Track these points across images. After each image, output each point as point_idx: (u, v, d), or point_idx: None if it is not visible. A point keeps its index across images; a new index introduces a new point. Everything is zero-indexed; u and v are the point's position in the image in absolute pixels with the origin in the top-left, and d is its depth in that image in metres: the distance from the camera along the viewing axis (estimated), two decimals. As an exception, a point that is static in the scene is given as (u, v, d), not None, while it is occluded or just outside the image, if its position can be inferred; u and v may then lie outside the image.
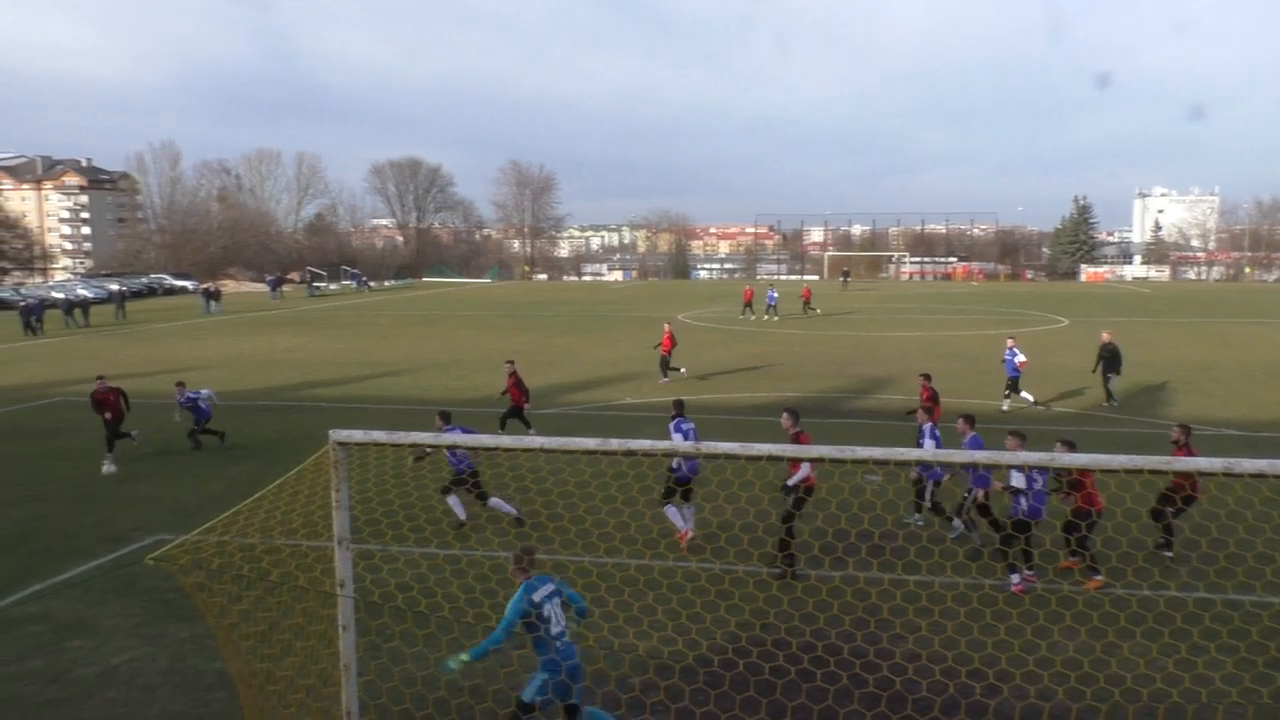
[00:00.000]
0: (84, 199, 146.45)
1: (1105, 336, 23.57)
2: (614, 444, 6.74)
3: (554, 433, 16.41)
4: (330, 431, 6.66)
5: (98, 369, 30.22)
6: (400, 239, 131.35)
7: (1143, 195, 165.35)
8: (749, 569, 11.39)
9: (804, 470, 11.44)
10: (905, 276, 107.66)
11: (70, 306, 50.58)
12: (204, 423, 19.10)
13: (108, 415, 17.63)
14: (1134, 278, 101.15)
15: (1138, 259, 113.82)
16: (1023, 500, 10.65)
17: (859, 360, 31.87)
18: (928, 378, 17.52)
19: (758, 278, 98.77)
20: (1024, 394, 22.75)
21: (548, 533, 12.34)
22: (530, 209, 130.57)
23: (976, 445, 12.05)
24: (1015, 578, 10.63)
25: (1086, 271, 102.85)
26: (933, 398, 16.95)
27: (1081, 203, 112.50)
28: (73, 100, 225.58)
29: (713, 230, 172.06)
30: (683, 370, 27.67)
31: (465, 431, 12.81)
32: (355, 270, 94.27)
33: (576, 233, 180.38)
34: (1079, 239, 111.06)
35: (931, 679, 8.24)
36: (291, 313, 58.88)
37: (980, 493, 11.56)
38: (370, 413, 22.50)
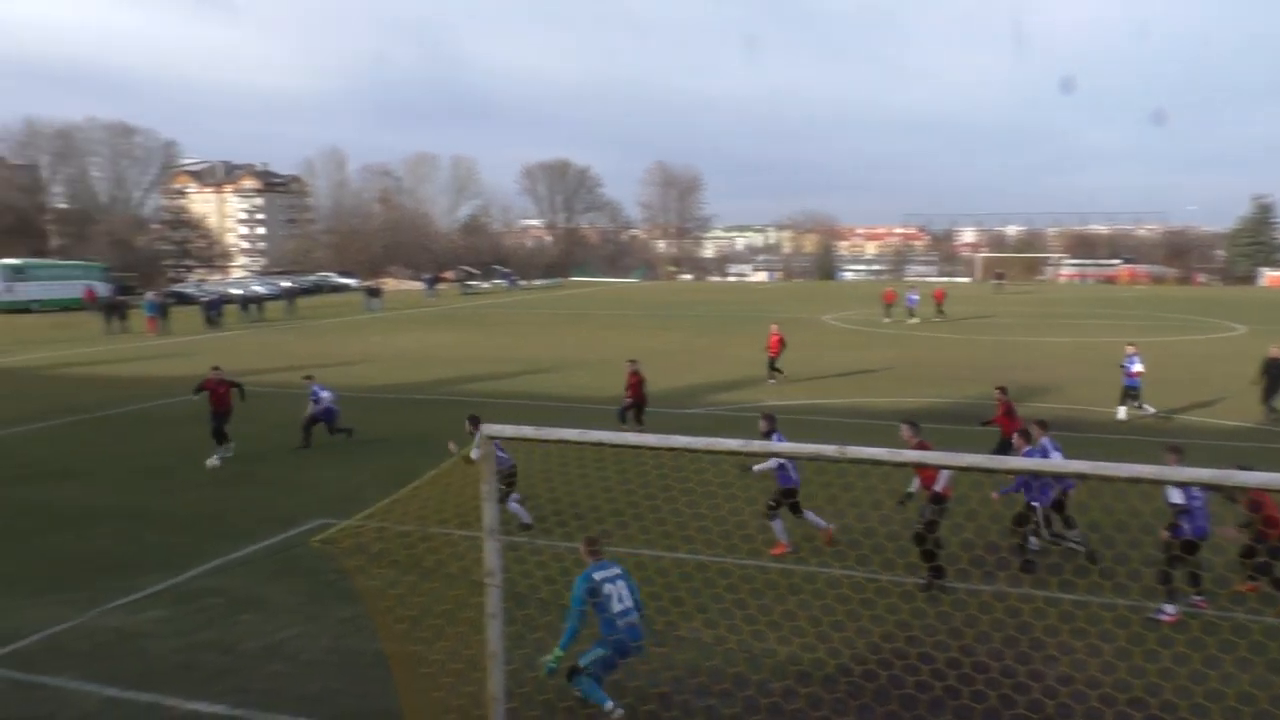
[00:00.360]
0: (259, 201, 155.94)
1: (1275, 351, 21.66)
2: (756, 445, 6.74)
3: (697, 433, 16.46)
4: (482, 425, 6.89)
5: (270, 360, 32.18)
6: (549, 239, 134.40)
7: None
8: (893, 578, 11.14)
9: (944, 479, 11.15)
10: (1063, 279, 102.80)
11: (246, 302, 54.11)
12: (330, 421, 19.04)
13: (212, 405, 17.69)
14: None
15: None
16: (1185, 520, 10.02)
17: (1005, 366, 30.64)
18: (1004, 390, 16.69)
19: (905, 279, 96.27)
20: (1145, 405, 21.54)
21: (689, 532, 12.39)
22: (676, 209, 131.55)
23: (1044, 454, 12.02)
24: (1170, 609, 10.00)
25: (1267, 275, 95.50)
26: (1009, 412, 16.17)
27: (1262, 201, 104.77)
28: (252, 108, 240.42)
29: (859, 231, 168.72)
30: (781, 374, 27.28)
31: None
32: (506, 269, 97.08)
33: (721, 233, 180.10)
34: (1259, 240, 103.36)
35: (1087, 704, 7.87)
36: (446, 310, 61.14)
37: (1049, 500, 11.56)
38: (520, 408, 23.11)
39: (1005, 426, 15.79)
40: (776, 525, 12.35)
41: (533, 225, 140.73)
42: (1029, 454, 11.99)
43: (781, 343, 27.63)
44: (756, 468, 12.67)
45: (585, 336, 42.22)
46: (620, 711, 7.97)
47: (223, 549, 12.71)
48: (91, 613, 10.53)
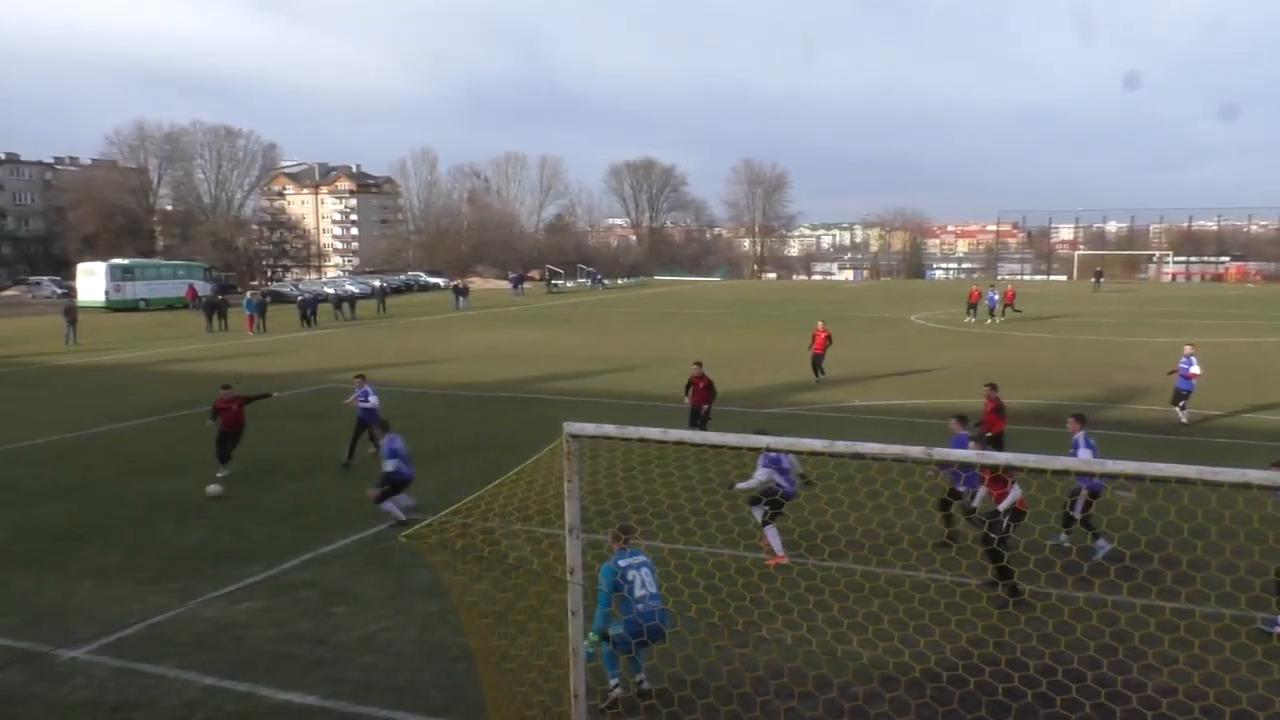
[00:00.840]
0: (353, 202, 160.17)
1: None
2: (840, 446, 6.62)
3: (780, 433, 16.31)
4: (564, 424, 6.94)
5: (362, 359, 33.00)
6: (634, 238, 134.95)
7: None
8: (982, 582, 10.86)
9: (1014, 493, 10.69)
10: (1167, 277, 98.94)
11: (339, 301, 55.59)
12: (370, 426, 16.97)
13: (222, 426, 16.77)
14: None
15: None
16: None
17: (1101, 366, 29.62)
18: (993, 387, 16.13)
19: (998, 278, 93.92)
20: (1183, 410, 20.46)
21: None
22: (761, 207, 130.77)
23: (1083, 447, 11.90)
24: None
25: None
26: (998, 409, 15.67)
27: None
28: (347, 111, 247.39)
29: (951, 228, 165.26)
30: (824, 374, 26.90)
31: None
32: (591, 268, 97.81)
33: (807, 231, 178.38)
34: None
35: (1189, 716, 7.55)
36: (531, 309, 61.88)
37: (1087, 494, 11.47)
38: (602, 406, 23.24)
39: (993, 424, 15.39)
40: (769, 533, 11.98)
41: (618, 224, 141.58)
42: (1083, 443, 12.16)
43: (829, 340, 27.22)
44: (740, 485, 12.11)
45: (668, 335, 42.25)
46: (619, 691, 8.26)
47: (317, 542, 13.08)
48: (191, 603, 10.95)
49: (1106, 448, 17.82)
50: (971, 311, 47.57)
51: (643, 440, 6.94)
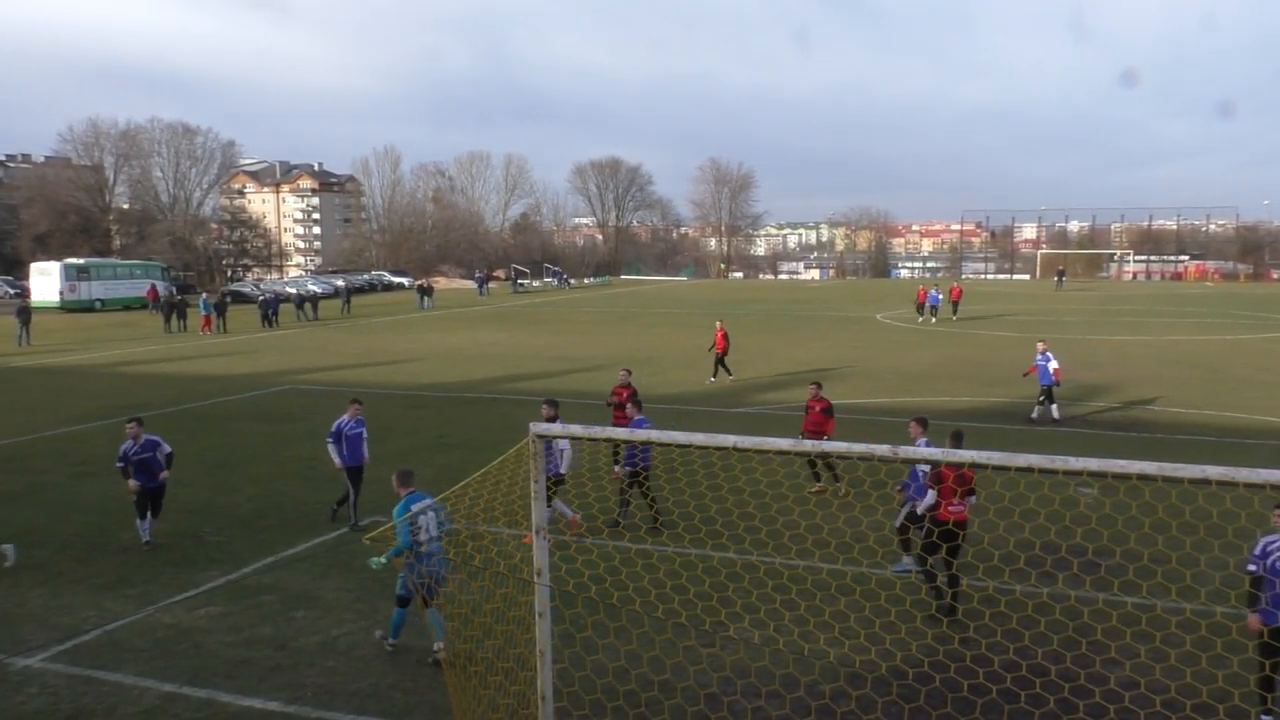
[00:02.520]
0: (315, 201, 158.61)
1: None
2: (807, 445, 6.64)
3: (747, 431, 16.34)
4: (530, 424, 6.87)
5: (326, 359, 32.62)
6: (599, 237, 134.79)
7: None
8: (948, 579, 10.90)
9: (930, 498, 10.38)
10: (1128, 276, 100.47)
11: (301, 301, 54.86)
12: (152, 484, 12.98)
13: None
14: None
15: None
16: None
17: (1073, 366, 30.01)
18: (819, 386, 16.01)
19: (962, 276, 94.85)
20: (1054, 406, 20.77)
21: (739, 531, 12.27)
22: (728, 207, 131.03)
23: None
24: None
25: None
26: (825, 409, 15.24)
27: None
28: (309, 109, 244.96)
29: (916, 227, 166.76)
30: (729, 375, 26.79)
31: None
32: (556, 268, 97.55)
33: (774, 230, 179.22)
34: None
35: (1150, 710, 7.62)
36: (496, 308, 61.58)
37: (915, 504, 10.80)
38: (568, 406, 23.13)
39: (822, 425, 15.01)
40: (558, 505, 12.56)
41: (584, 224, 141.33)
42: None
43: (727, 340, 27.08)
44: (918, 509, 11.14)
45: (634, 335, 42.23)
46: (382, 639, 9.48)
47: (278, 545, 12.88)
48: (149, 609, 10.72)
49: (1069, 445, 18.07)
50: (922, 311, 48.12)
51: (609, 439, 6.92)
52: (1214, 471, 6.36)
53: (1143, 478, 5.26)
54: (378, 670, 9.12)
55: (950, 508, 10.27)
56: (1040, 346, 21.45)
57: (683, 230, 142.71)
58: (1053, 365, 20.71)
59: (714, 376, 26.80)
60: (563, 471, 12.60)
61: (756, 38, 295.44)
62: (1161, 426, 20.35)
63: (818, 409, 15.21)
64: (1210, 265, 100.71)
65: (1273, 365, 29.41)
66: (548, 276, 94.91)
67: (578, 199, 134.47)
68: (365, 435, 13.98)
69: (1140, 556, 11.34)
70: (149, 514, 12.78)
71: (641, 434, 6.85)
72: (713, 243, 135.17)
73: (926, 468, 10.03)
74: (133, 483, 12.63)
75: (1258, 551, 8.19)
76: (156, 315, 50.02)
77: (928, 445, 9.97)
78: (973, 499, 10.76)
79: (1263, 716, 7.92)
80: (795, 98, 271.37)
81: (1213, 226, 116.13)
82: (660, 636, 9.00)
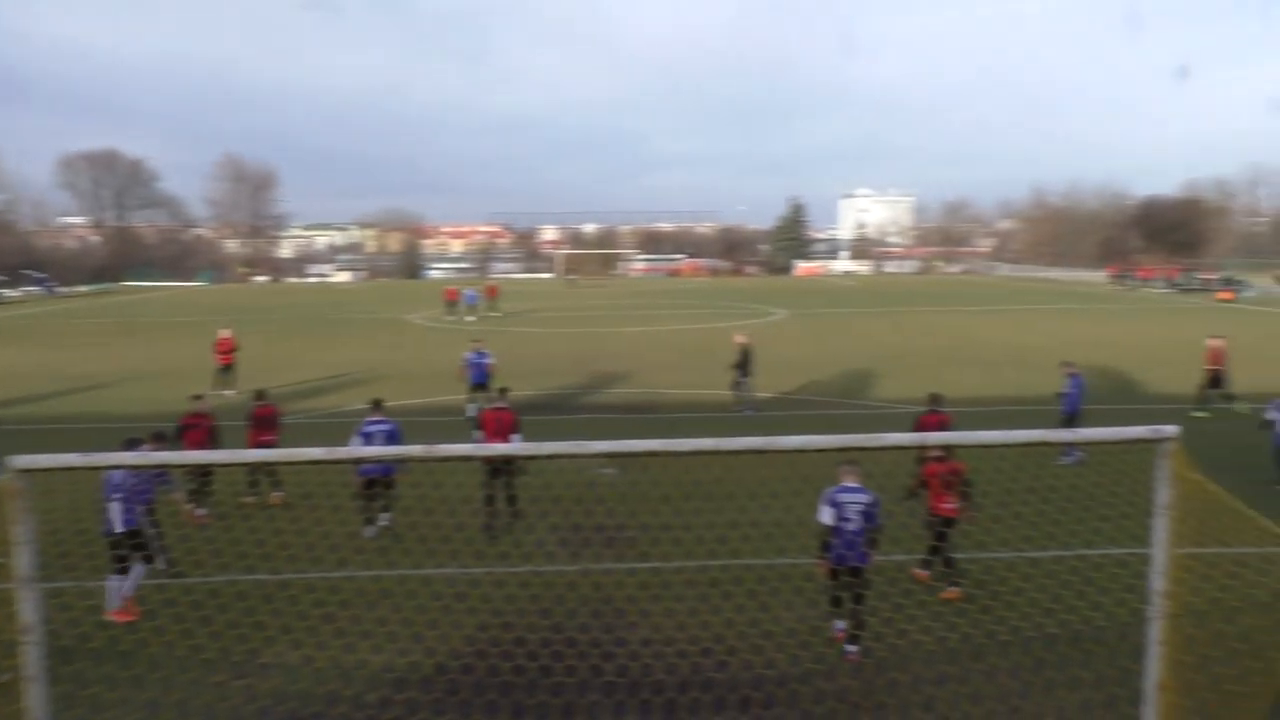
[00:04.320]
0: None
1: (739, 339, 22.24)
2: (341, 452, 6.46)
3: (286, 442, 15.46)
4: (8, 459, 5.89)
5: None
6: (96, 238, 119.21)
7: (848, 195, 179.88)
8: (486, 568, 11.29)
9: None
10: (637, 274, 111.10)
11: None
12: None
13: None
14: (843, 272, 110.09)
15: (845, 254, 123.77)
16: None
17: (586, 357, 32.55)
18: (260, 395, 15.23)
19: (490, 276, 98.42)
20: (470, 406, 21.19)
21: (268, 549, 11.62)
22: (248, 206, 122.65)
23: (376, 437, 13.12)
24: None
25: (801, 266, 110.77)
26: (261, 423, 14.63)
27: (796, 202, 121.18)
28: None
29: (445, 229, 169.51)
30: (227, 384, 25.21)
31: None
32: (41, 274, 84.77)
33: (301, 232, 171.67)
34: (794, 236, 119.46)
35: (665, 661, 8.54)
36: (-37, 324, 51.93)
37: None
38: (61, 433, 20.28)
39: (253, 438, 14.37)
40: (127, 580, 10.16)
41: (75, 224, 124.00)
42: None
43: (232, 347, 25.73)
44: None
45: (144, 346, 38.12)
46: None
47: None
48: None
49: (590, 429, 19.59)
50: (453, 310, 49.38)
51: (115, 467, 6.13)
52: (705, 444, 7.27)
53: (651, 454, 5.85)
54: None
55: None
56: (475, 345, 22.06)
57: (198, 231, 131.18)
58: (488, 360, 21.31)
59: (227, 389, 24.80)
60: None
61: (274, 26, 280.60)
62: (666, 407, 22.81)
63: (258, 419, 14.61)
64: (700, 262, 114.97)
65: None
66: (30, 284, 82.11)
67: (66, 195, 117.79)
68: None
69: (651, 527, 12.66)
70: None
71: (158, 457, 6.19)
72: (233, 244, 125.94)
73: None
74: None
75: (828, 501, 9.16)
76: None
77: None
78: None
79: (847, 644, 9.01)
80: (318, 95, 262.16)
81: (702, 229, 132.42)
82: (184, 676, 8.25)
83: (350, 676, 8.60)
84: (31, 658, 6.08)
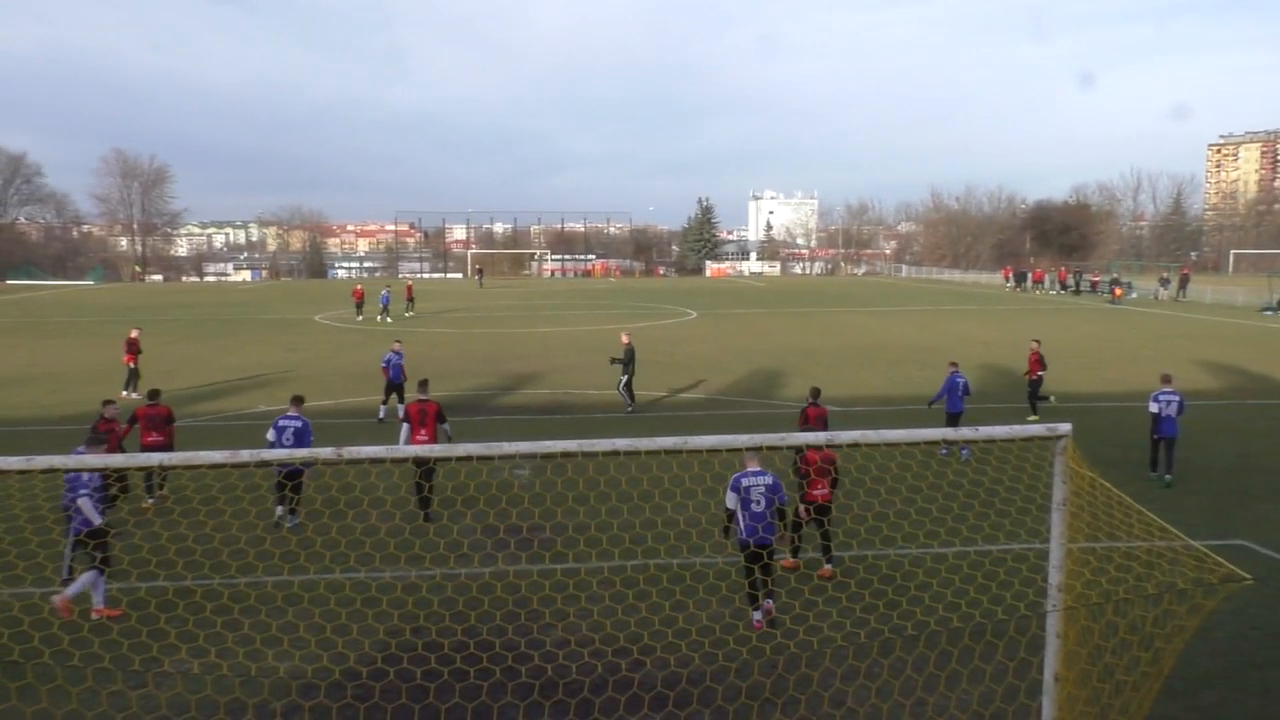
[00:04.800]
0: None
1: (625, 338, 22.69)
2: (245, 455, 6.26)
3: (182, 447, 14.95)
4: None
5: None
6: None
7: (756, 197, 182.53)
8: (396, 573, 11.09)
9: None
10: (549, 274, 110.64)
11: None
12: None
13: None
14: (751, 272, 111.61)
15: (754, 255, 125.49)
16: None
17: (500, 357, 32.30)
18: (110, 403, 14.12)
19: (399, 276, 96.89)
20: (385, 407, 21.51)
21: (169, 555, 11.21)
22: (139, 203, 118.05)
23: (286, 432, 13.14)
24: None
25: (711, 267, 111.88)
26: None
27: (705, 204, 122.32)
28: None
29: (351, 227, 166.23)
30: (129, 393, 23.84)
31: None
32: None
33: (196, 230, 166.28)
34: (704, 237, 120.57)
35: (581, 662, 8.53)
36: None
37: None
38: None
39: (113, 442, 13.39)
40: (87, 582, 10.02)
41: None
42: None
43: (136, 348, 24.98)
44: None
45: (26, 349, 36.39)
46: None
47: None
48: None
49: (506, 430, 19.43)
50: (361, 310, 48.48)
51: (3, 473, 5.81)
52: (621, 444, 7.29)
53: (565, 455, 5.83)
54: None
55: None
56: (395, 346, 21.88)
57: (85, 228, 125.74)
58: (403, 361, 21.41)
59: (131, 391, 23.89)
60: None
61: (168, 17, 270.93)
62: (579, 407, 22.78)
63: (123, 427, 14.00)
64: (612, 263, 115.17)
65: (663, 348, 34.47)
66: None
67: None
68: None
69: (566, 528, 12.62)
70: None
71: (14, 463, 5.85)
72: (124, 242, 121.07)
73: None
74: None
75: (733, 486, 9.69)
76: None
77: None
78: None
79: (767, 600, 9.63)
80: (214, 90, 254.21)
81: (613, 229, 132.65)
82: (78, 688, 7.89)
83: (256, 685, 8.36)
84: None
